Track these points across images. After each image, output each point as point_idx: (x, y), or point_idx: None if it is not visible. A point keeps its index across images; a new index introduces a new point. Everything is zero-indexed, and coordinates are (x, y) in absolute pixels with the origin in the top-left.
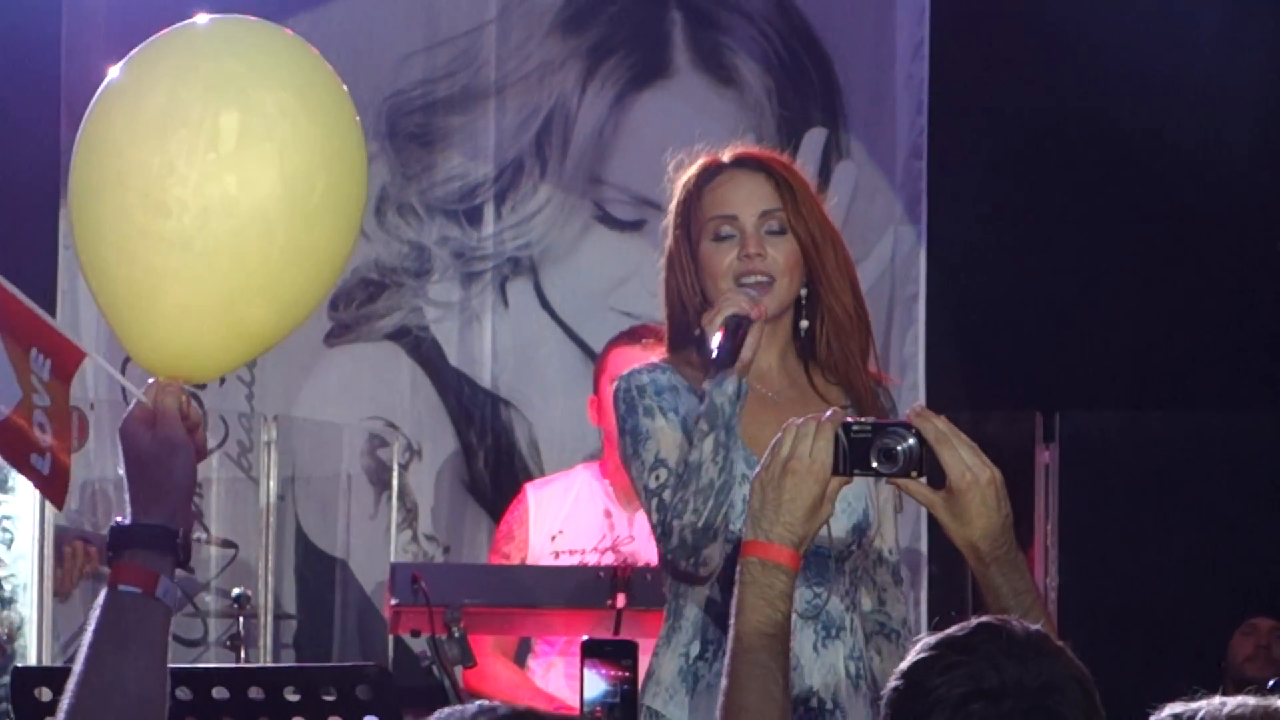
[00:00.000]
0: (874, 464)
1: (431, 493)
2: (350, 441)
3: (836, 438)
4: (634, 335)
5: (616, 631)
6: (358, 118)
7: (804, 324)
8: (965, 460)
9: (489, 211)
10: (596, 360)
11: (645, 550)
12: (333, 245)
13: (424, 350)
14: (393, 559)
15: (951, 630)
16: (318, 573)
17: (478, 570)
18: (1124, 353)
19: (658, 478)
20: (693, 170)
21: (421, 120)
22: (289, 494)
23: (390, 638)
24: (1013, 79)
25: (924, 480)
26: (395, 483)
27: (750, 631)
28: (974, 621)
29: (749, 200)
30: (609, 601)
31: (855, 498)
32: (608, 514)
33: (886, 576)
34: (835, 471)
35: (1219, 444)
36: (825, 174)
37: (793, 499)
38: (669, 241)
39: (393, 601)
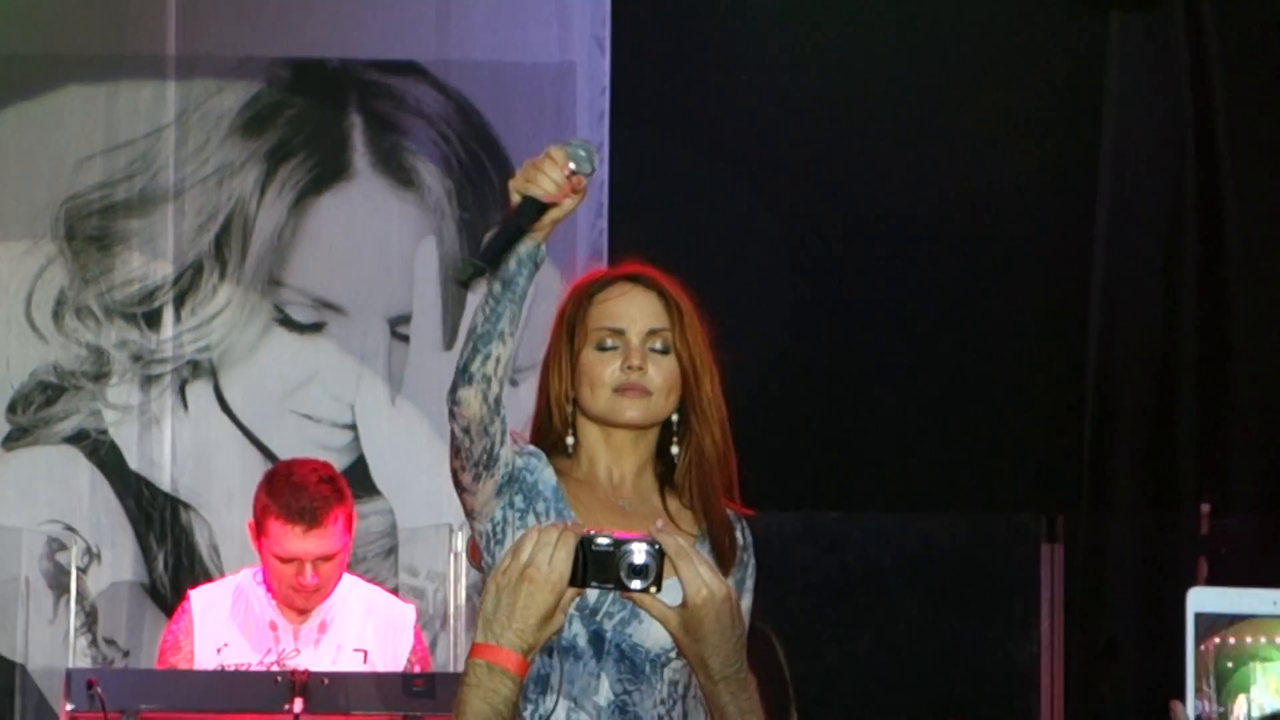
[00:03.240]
0: (622, 577)
1: (110, 596)
2: (29, 545)
3: (577, 549)
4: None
5: None
6: None
7: (674, 449)
8: (702, 576)
9: (168, 314)
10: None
11: (312, 662)
12: None
13: (103, 453)
14: (71, 663)
15: None
16: None
17: (154, 675)
18: (801, 455)
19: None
20: (582, 278)
21: (100, 223)
22: None
23: None
24: (694, 182)
25: (658, 595)
26: (74, 586)
27: None
28: None
29: (638, 316)
30: (286, 706)
31: None
32: (273, 626)
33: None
34: (573, 583)
35: (896, 544)
36: None
37: (526, 606)
38: (550, 345)
39: (68, 707)
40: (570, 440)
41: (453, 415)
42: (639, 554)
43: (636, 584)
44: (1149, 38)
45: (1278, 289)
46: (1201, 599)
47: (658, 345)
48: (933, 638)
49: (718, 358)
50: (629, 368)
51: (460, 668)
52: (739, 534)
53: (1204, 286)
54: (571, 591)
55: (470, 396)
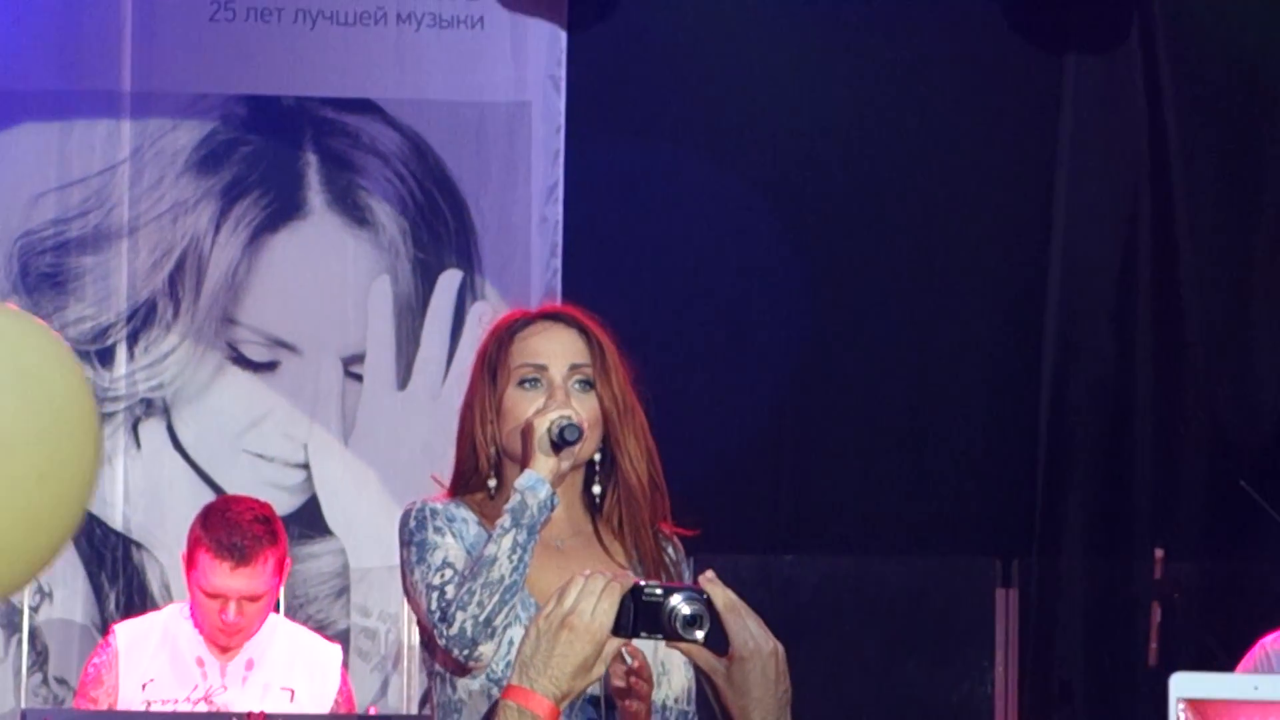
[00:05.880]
0: (677, 628)
1: (62, 635)
2: None
3: (624, 600)
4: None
5: None
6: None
7: (596, 489)
8: (750, 630)
9: (121, 352)
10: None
11: (237, 699)
12: None
13: None
14: (23, 703)
15: None
16: None
17: (111, 716)
18: (756, 498)
19: (443, 576)
20: (502, 318)
21: (53, 260)
22: None
23: None
24: (649, 222)
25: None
26: (25, 625)
27: None
28: None
29: (560, 353)
30: None
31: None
32: (200, 661)
33: None
34: (617, 632)
35: (850, 588)
36: (460, 316)
37: (564, 655)
38: (471, 386)
39: None
40: (493, 483)
41: (458, 666)
42: (692, 604)
43: (697, 635)
44: (1104, 77)
45: (1233, 333)
46: (1184, 685)
47: (580, 381)
48: (887, 681)
49: (641, 395)
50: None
51: (414, 709)
52: (669, 553)
53: (1158, 330)
54: (616, 642)
55: (489, 650)
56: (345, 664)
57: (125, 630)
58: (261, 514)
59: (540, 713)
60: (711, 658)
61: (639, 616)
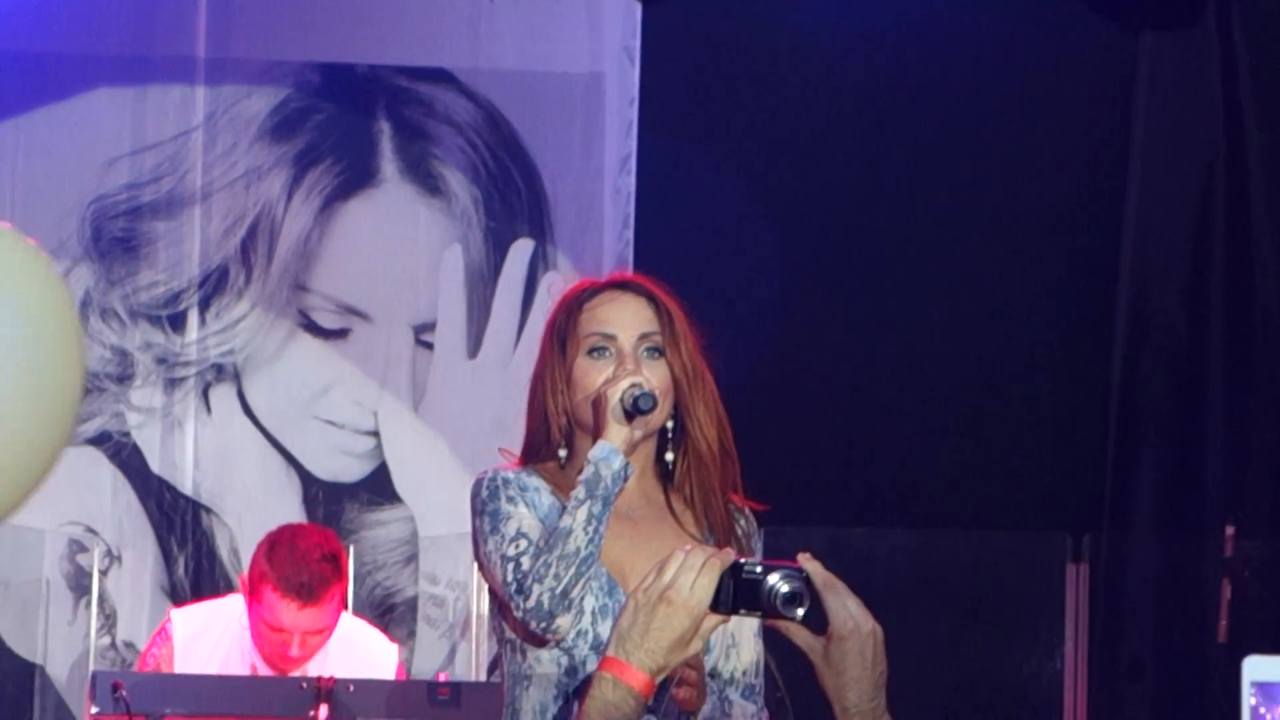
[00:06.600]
0: (778, 606)
1: (131, 599)
2: (50, 547)
3: (723, 577)
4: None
5: None
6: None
7: (669, 456)
8: (849, 609)
9: (193, 317)
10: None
11: None
12: None
13: (125, 456)
14: (92, 666)
15: None
16: (15, 679)
17: (179, 679)
18: (828, 470)
19: (518, 546)
20: (571, 288)
21: (126, 225)
22: None
23: None
24: (721, 193)
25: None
26: (95, 589)
27: None
28: None
29: (630, 322)
30: (311, 713)
31: None
32: (254, 669)
33: (735, 694)
34: (716, 608)
35: (921, 561)
36: (531, 286)
37: (661, 629)
38: (540, 356)
39: (93, 710)
40: (564, 453)
41: (536, 639)
42: (792, 582)
43: (798, 612)
44: (1180, 56)
45: None
46: (1257, 668)
47: (649, 349)
48: (957, 655)
49: (711, 363)
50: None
51: (482, 677)
52: (741, 525)
53: (1232, 307)
54: (715, 619)
55: (567, 622)
56: (402, 663)
57: (183, 621)
58: (329, 551)
59: (635, 685)
60: (810, 636)
61: (738, 593)
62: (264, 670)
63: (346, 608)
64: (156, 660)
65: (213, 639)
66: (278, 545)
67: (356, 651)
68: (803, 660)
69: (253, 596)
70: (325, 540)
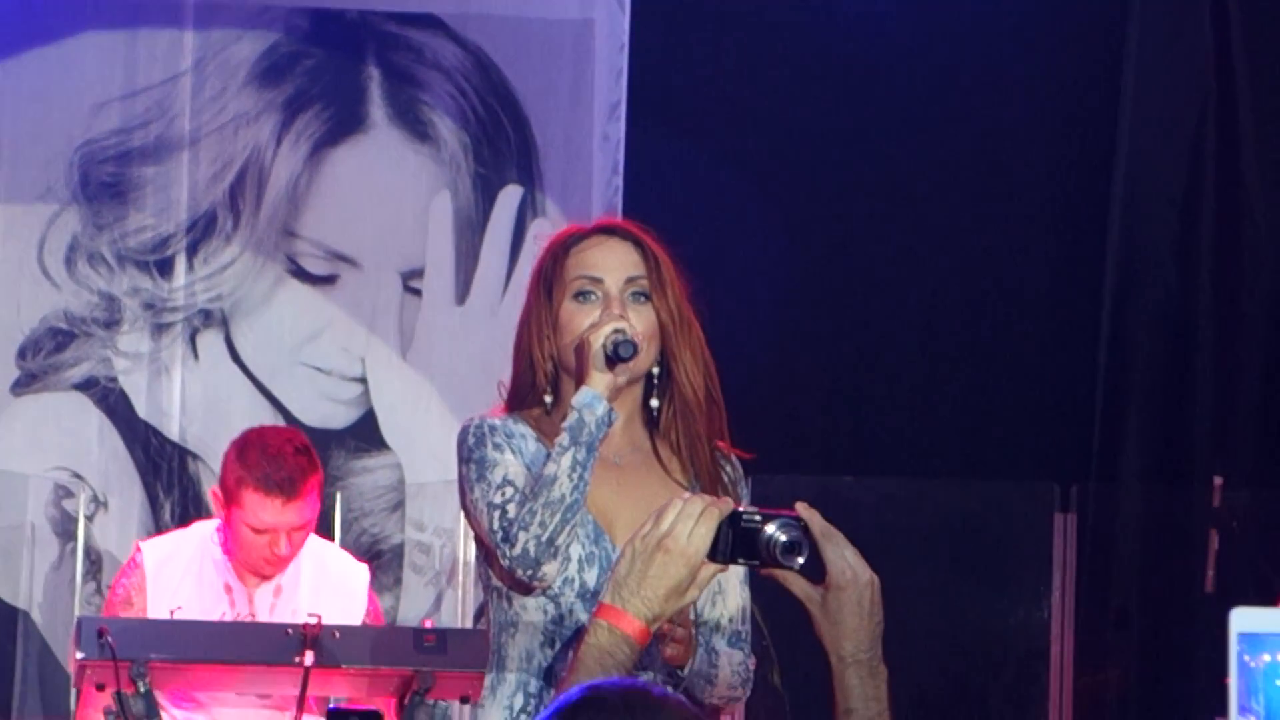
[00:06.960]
0: (777, 555)
1: (117, 545)
2: (35, 491)
3: (721, 525)
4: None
5: (303, 689)
6: None
7: (654, 403)
8: (847, 559)
9: (180, 263)
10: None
11: None
12: None
13: (112, 401)
14: (77, 611)
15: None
16: None
17: (164, 625)
18: (815, 419)
19: (504, 494)
20: (558, 233)
21: (114, 170)
22: None
23: (73, 691)
24: (711, 142)
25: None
26: (81, 534)
27: None
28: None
29: (617, 265)
30: (296, 659)
31: None
32: (228, 588)
33: (721, 642)
34: (714, 557)
35: (909, 510)
36: (520, 232)
37: (658, 576)
38: (527, 301)
39: (78, 655)
40: (549, 399)
41: (522, 585)
42: (791, 531)
43: (797, 562)
44: (1170, 7)
45: None
46: (1245, 619)
47: (636, 293)
48: (945, 604)
49: (698, 310)
50: (610, 316)
51: (468, 624)
52: (727, 471)
53: (1221, 257)
54: (712, 568)
55: (553, 570)
56: (372, 583)
57: (152, 550)
58: (299, 443)
59: (631, 633)
60: (807, 585)
61: (736, 542)
62: (238, 587)
63: (321, 499)
64: (127, 590)
65: (183, 562)
66: (248, 447)
67: (329, 576)
68: (788, 608)
69: (231, 504)
70: (293, 435)
